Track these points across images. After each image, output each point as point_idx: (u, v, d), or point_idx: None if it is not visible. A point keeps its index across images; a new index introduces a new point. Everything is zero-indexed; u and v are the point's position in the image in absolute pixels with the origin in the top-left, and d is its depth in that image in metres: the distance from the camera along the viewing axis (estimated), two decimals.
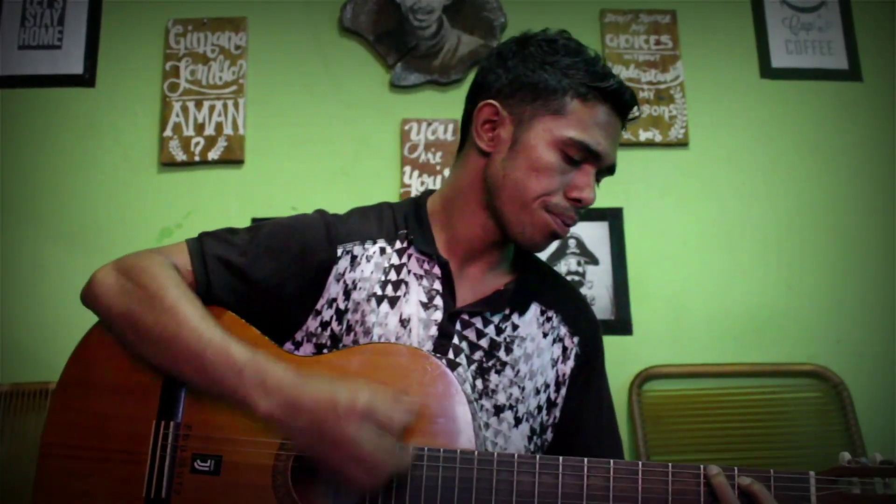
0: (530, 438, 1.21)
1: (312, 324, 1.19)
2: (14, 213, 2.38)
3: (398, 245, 1.24)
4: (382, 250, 1.23)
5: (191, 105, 2.46)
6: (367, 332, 1.16)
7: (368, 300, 1.18)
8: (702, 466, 1.00)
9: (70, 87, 2.48)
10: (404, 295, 1.19)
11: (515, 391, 1.20)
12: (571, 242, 2.43)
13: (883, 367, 2.35)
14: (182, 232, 2.38)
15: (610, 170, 1.22)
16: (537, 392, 1.23)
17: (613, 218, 2.46)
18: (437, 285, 1.21)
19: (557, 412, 1.26)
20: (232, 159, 2.44)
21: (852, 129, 2.56)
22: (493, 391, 1.18)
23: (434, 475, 1.01)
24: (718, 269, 2.45)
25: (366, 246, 1.23)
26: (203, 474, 1.06)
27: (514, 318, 1.23)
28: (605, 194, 2.43)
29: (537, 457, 1.02)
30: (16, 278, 2.32)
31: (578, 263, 2.42)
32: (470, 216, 1.23)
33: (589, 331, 1.32)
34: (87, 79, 2.48)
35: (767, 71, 2.59)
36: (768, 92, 2.58)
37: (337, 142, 2.45)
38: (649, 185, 2.49)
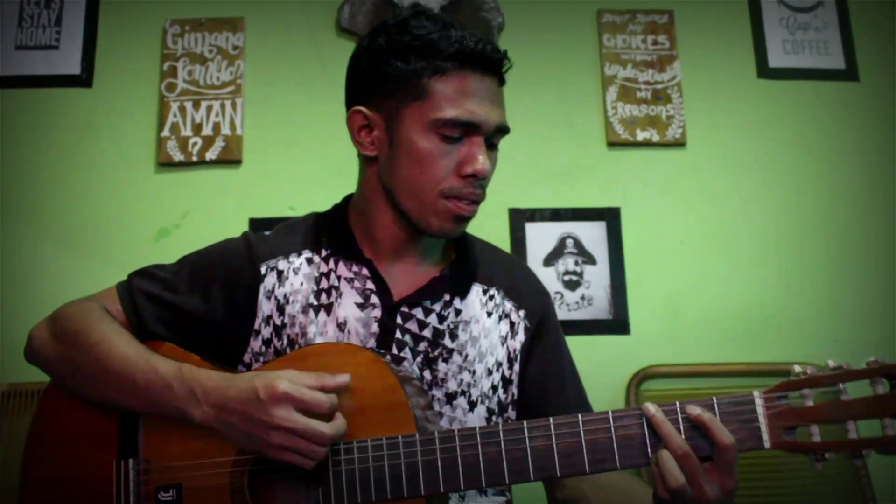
0: (488, 420, 1.21)
1: (255, 344, 1.21)
2: (11, 213, 2.38)
3: (324, 252, 1.24)
4: (310, 260, 1.24)
5: (188, 105, 2.46)
6: (310, 343, 1.18)
7: (305, 312, 1.20)
8: (642, 407, 0.99)
9: (67, 88, 2.47)
10: (337, 300, 1.20)
11: (466, 376, 1.20)
12: (569, 242, 2.44)
13: None
14: (180, 232, 2.38)
15: (501, 131, 1.17)
16: (489, 373, 1.22)
17: (611, 218, 2.46)
18: (370, 284, 1.21)
19: (515, 389, 1.25)
20: (229, 159, 2.44)
21: (849, 129, 2.56)
22: (443, 380, 1.18)
23: (380, 464, 1.01)
24: (716, 269, 2.45)
25: (290, 259, 1.24)
26: None
27: (456, 302, 1.23)
28: (602, 194, 2.47)
29: (477, 429, 1.01)
30: (12, 278, 2.32)
31: (576, 263, 2.42)
32: (381, 217, 1.22)
33: (535, 301, 1.31)
34: (84, 79, 2.48)
35: (764, 71, 2.59)
36: (765, 92, 2.58)
37: (335, 142, 2.45)
38: (647, 184, 2.50)
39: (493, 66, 1.16)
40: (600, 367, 2.31)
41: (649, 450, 0.97)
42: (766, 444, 0.95)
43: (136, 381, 1.07)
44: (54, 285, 2.31)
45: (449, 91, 1.12)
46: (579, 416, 1.00)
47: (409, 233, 1.22)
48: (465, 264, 1.26)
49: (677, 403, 0.98)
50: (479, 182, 1.14)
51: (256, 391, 0.98)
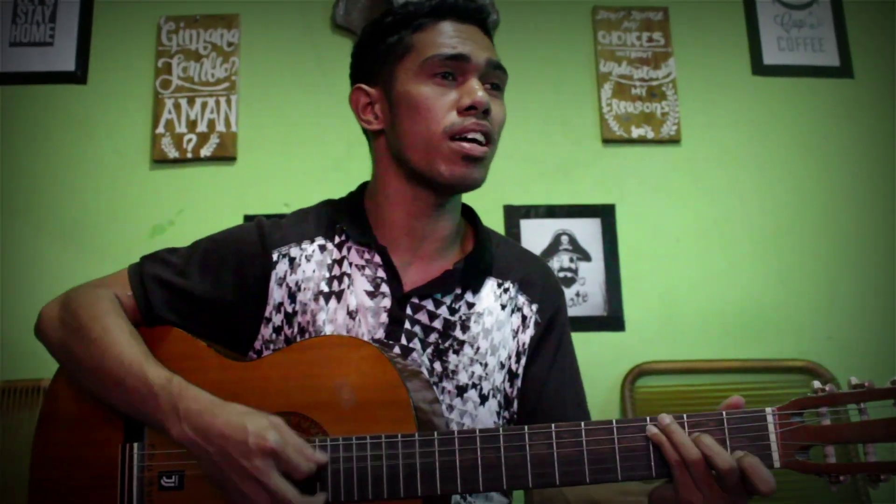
0: (498, 414, 1.21)
1: (266, 331, 1.21)
2: (6, 209, 2.37)
3: (337, 240, 1.24)
4: (322, 248, 1.23)
5: (183, 102, 2.45)
6: (319, 331, 1.17)
7: (316, 299, 1.19)
8: (647, 419, 0.95)
9: (62, 84, 2.47)
10: (348, 287, 1.19)
11: (477, 369, 1.19)
12: (564, 239, 2.44)
13: (874, 363, 2.36)
14: (175, 229, 2.38)
15: (496, 67, 1.19)
16: (502, 366, 1.22)
17: (606, 214, 2.46)
18: (381, 273, 1.20)
19: (520, 382, 1.24)
20: (224, 156, 2.43)
21: (844, 125, 2.57)
22: (454, 372, 1.17)
23: (378, 463, 1.00)
24: (711, 266, 2.46)
25: (303, 246, 1.23)
26: (170, 490, 1.07)
27: (468, 295, 1.22)
28: (597, 191, 2.48)
29: (477, 431, 1.00)
30: (7, 275, 2.32)
31: (571, 260, 2.43)
32: (395, 196, 1.22)
33: (548, 296, 1.30)
34: (79, 76, 2.47)
35: (759, 68, 2.60)
36: (760, 89, 2.59)
37: (329, 138, 2.45)
38: (642, 181, 2.50)
39: (470, 14, 1.20)
40: (595, 364, 2.31)
41: (653, 462, 0.94)
42: (776, 464, 0.91)
43: (125, 385, 1.06)
44: (49, 282, 2.31)
45: (429, 38, 1.17)
46: (582, 424, 0.97)
47: (426, 205, 1.20)
48: (480, 259, 1.25)
49: (685, 416, 0.94)
50: (481, 115, 1.15)
51: (246, 435, 0.96)
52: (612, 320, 2.39)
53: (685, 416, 0.94)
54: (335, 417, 1.04)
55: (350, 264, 1.21)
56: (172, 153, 2.41)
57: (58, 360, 1.19)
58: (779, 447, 0.91)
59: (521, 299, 1.26)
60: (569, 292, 2.40)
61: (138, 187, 2.42)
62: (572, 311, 2.38)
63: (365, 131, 1.26)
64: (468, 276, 1.22)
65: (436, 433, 1.00)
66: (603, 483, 0.96)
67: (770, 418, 0.92)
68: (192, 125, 2.44)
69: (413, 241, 1.22)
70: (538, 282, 1.30)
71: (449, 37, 1.16)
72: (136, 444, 1.10)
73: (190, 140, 2.42)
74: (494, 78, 1.19)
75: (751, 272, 2.46)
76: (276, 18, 2.55)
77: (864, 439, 0.87)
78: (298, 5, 2.57)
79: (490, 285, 1.25)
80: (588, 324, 2.38)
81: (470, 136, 1.14)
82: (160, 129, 2.43)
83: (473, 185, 1.17)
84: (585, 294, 2.41)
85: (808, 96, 2.59)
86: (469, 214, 1.32)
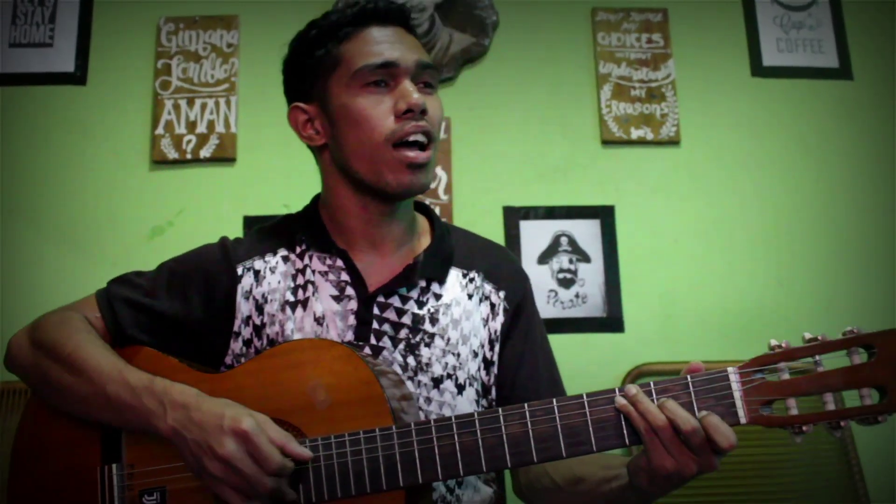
0: (477, 402, 1.22)
1: (236, 346, 1.22)
2: (5, 209, 2.37)
3: (298, 250, 1.25)
4: (285, 258, 1.25)
5: (182, 103, 2.45)
6: (288, 340, 1.18)
7: (283, 309, 1.20)
8: (616, 390, 0.98)
9: (61, 85, 2.47)
10: (313, 294, 1.21)
11: (451, 359, 1.20)
12: (563, 240, 2.44)
13: None
14: (174, 230, 2.38)
15: (426, 66, 1.20)
16: (475, 355, 1.23)
17: (605, 216, 2.46)
18: (344, 276, 1.22)
19: (495, 369, 1.26)
20: (224, 157, 2.43)
21: (843, 127, 2.57)
22: (427, 364, 1.19)
23: (358, 458, 1.01)
24: (710, 267, 2.46)
25: (266, 259, 1.25)
26: None
27: (435, 287, 1.23)
28: (596, 192, 2.48)
29: (452, 418, 1.01)
30: (5, 275, 2.31)
31: (570, 261, 2.43)
32: (346, 203, 1.23)
33: (514, 283, 1.32)
34: (78, 77, 2.47)
35: (758, 69, 2.60)
36: (759, 90, 2.59)
37: None
38: (641, 182, 2.50)
39: (392, 16, 1.21)
40: (594, 365, 2.32)
41: (625, 431, 0.97)
42: (743, 420, 0.94)
43: (107, 393, 1.07)
44: (48, 283, 2.31)
45: (355, 48, 1.18)
46: (554, 400, 0.99)
47: (377, 212, 1.22)
48: (438, 249, 1.26)
49: (651, 383, 0.97)
50: (419, 116, 1.16)
51: (222, 418, 0.98)
52: (611, 321, 2.39)
53: (652, 383, 0.97)
54: (312, 419, 1.05)
55: (313, 272, 1.23)
56: (172, 154, 2.41)
57: (31, 385, 1.19)
58: (743, 404, 0.95)
59: (488, 287, 1.28)
60: (568, 293, 2.40)
61: (137, 188, 2.41)
62: (571, 313, 2.38)
63: (309, 147, 1.28)
64: (429, 268, 1.23)
65: (412, 424, 1.02)
66: (579, 455, 0.99)
67: (733, 377, 0.96)
68: (191, 126, 2.44)
69: (371, 244, 1.24)
70: (503, 269, 1.32)
71: (375, 44, 1.18)
72: (114, 465, 1.10)
73: (189, 141, 2.42)
74: (426, 77, 1.21)
75: (750, 273, 2.46)
76: (275, 19, 2.55)
77: (821, 390, 0.92)
78: (298, 6, 2.56)
79: (455, 276, 1.26)
80: (587, 325, 2.38)
81: (411, 139, 1.15)
82: (160, 130, 2.43)
83: (420, 190, 1.20)
84: (585, 295, 2.40)
85: (808, 98, 2.59)
86: (425, 210, 1.34)
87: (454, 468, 1.00)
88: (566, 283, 2.41)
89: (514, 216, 2.44)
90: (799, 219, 2.50)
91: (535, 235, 2.44)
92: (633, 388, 0.97)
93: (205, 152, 2.42)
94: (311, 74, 1.22)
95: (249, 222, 2.37)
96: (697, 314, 2.42)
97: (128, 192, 2.41)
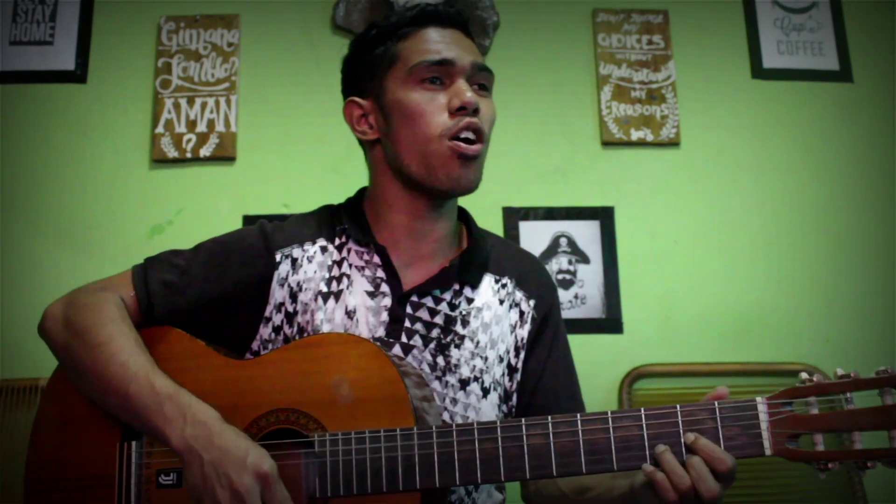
0: (499, 406, 1.23)
1: (265, 331, 1.22)
2: (5, 208, 2.37)
3: (337, 241, 1.26)
4: (324, 249, 1.26)
5: (183, 102, 2.45)
6: (317, 331, 1.19)
7: (315, 299, 1.21)
8: (642, 409, 0.98)
9: (62, 84, 2.47)
10: (347, 287, 1.21)
11: (479, 362, 1.21)
12: (563, 241, 2.44)
13: (872, 366, 2.35)
14: (173, 229, 2.38)
15: (481, 69, 1.22)
16: (501, 360, 1.25)
17: (605, 217, 2.46)
18: (381, 273, 1.23)
19: (518, 377, 1.27)
20: (224, 156, 2.43)
21: (843, 129, 2.57)
22: (456, 365, 1.20)
23: (377, 456, 1.02)
24: (709, 268, 2.46)
25: (305, 247, 1.26)
26: (168, 488, 1.08)
27: (467, 291, 1.25)
28: (596, 193, 2.48)
29: (475, 424, 1.01)
30: (5, 274, 2.31)
31: (569, 262, 2.43)
32: (394, 200, 1.25)
33: (544, 292, 1.33)
34: (78, 75, 2.47)
35: (759, 71, 2.60)
36: (759, 92, 2.59)
37: (329, 139, 2.45)
38: (640, 184, 2.50)
39: (450, 19, 1.24)
40: (593, 366, 2.31)
41: (647, 452, 0.96)
42: (768, 451, 0.93)
43: (128, 392, 1.07)
44: (47, 282, 2.31)
45: (413, 46, 1.21)
46: (578, 415, 0.99)
47: (424, 208, 1.24)
48: (475, 254, 1.28)
49: (678, 407, 0.96)
50: (471, 114, 1.18)
51: (247, 453, 0.98)
52: (610, 322, 2.39)
53: (678, 406, 0.96)
54: (333, 414, 1.05)
55: (350, 265, 1.23)
56: (172, 153, 2.41)
57: (59, 360, 1.19)
58: (770, 435, 0.94)
59: (519, 295, 1.30)
60: (567, 294, 2.40)
61: (137, 187, 2.41)
62: (570, 314, 2.38)
63: (361, 142, 1.30)
64: (464, 272, 1.25)
65: (434, 427, 1.02)
66: (598, 473, 0.99)
67: (761, 407, 0.95)
68: (191, 125, 2.44)
69: (412, 242, 1.25)
70: (534, 278, 1.34)
71: (433, 43, 1.20)
72: (133, 443, 1.11)
73: (189, 140, 2.42)
74: (481, 79, 1.23)
75: (749, 275, 2.46)
76: (275, 19, 2.55)
77: (850, 427, 0.91)
78: (298, 6, 2.57)
79: (488, 281, 1.27)
80: (586, 326, 2.38)
81: (463, 135, 1.17)
82: (160, 129, 2.43)
83: (468, 187, 1.21)
84: (584, 296, 2.41)
85: (808, 100, 2.59)
86: (464, 216, 1.35)
87: (472, 475, 1.00)
88: (565, 284, 2.41)
89: (513, 217, 2.44)
90: (799, 221, 2.50)
91: (534, 236, 2.44)
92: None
93: (205, 151, 2.42)
94: (368, 71, 1.24)
95: (249, 221, 2.36)
96: (697, 315, 2.42)
97: (127, 190, 2.41)
